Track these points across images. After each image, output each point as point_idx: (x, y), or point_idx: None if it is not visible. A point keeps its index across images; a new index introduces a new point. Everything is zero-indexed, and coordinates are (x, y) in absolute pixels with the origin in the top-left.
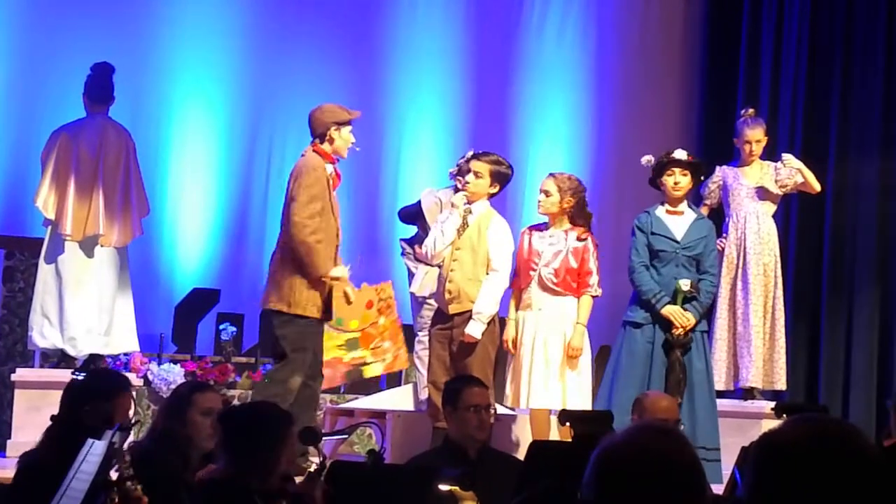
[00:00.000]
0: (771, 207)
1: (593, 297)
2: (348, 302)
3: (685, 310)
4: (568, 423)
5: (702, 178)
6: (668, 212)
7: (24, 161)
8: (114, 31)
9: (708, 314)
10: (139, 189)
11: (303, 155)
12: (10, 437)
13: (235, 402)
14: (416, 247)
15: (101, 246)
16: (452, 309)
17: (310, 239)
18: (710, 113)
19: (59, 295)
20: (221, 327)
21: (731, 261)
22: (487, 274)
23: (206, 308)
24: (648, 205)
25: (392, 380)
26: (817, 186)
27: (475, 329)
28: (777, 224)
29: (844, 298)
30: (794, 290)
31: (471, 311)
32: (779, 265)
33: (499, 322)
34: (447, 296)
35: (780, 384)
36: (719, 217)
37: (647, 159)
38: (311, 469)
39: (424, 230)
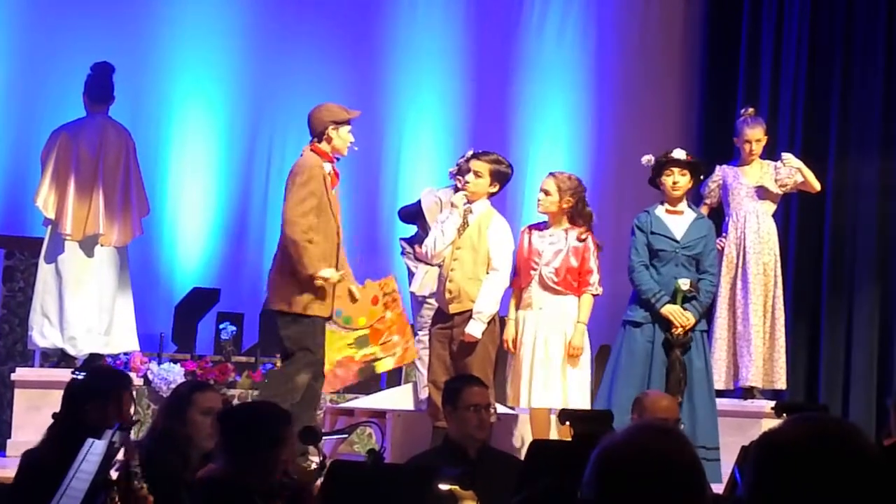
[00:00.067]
0: (771, 207)
1: (594, 295)
2: (354, 300)
3: (685, 309)
4: (568, 423)
5: (701, 177)
6: (667, 211)
7: (24, 160)
8: (114, 31)
9: (708, 313)
10: (139, 189)
11: (301, 154)
12: (10, 437)
13: (235, 401)
14: (416, 246)
15: (101, 245)
16: (453, 308)
17: (300, 237)
18: (710, 113)
19: (59, 294)
20: (221, 327)
21: (730, 260)
22: (488, 273)
23: (206, 307)
24: (648, 205)
25: (392, 379)
26: (817, 186)
27: (475, 328)
28: (777, 223)
29: (844, 298)
30: (794, 289)
31: (471, 310)
32: (779, 264)
33: (499, 321)
34: (447, 295)
35: (780, 383)
36: (719, 216)
37: (648, 159)
38: (312, 468)
39: (424, 229)
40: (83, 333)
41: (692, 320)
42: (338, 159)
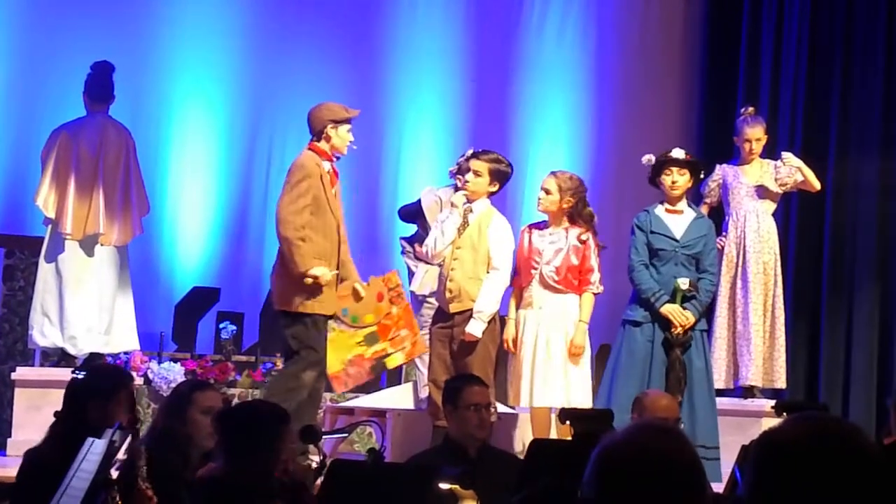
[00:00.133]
0: (771, 206)
1: (595, 294)
2: (358, 298)
3: (684, 308)
4: (568, 422)
5: (701, 176)
6: (667, 211)
7: (25, 160)
8: (114, 31)
9: (708, 313)
10: (139, 188)
11: (301, 153)
12: (10, 436)
13: (236, 400)
14: (417, 245)
15: (102, 245)
16: (453, 308)
17: (292, 235)
18: (710, 113)
19: (60, 294)
20: (221, 326)
21: (730, 259)
22: (488, 272)
23: (206, 307)
24: (648, 204)
25: (392, 378)
26: (817, 185)
27: (476, 328)
28: (777, 222)
29: (844, 297)
30: (794, 288)
31: (471, 309)
32: (779, 264)
33: (499, 321)
34: (448, 295)
35: (780, 382)
36: (719, 215)
37: (648, 158)
38: (312, 467)
39: (424, 229)
40: (83, 333)
41: (691, 319)
42: (338, 158)
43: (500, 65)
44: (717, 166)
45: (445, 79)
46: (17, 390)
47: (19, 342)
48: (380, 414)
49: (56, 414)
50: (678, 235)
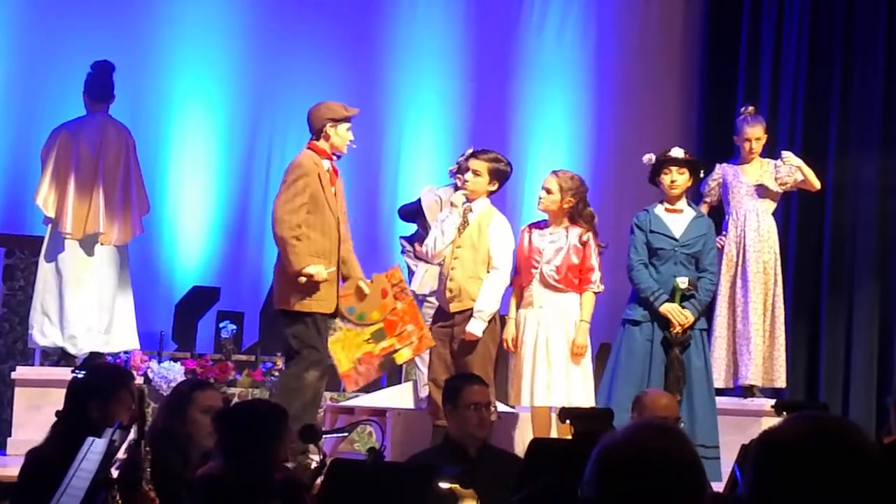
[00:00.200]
0: (771, 205)
1: (595, 293)
2: (362, 296)
3: (683, 308)
4: (568, 421)
5: (700, 175)
6: (667, 210)
7: (25, 159)
8: (114, 30)
9: (707, 312)
10: (139, 187)
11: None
12: (10, 436)
13: (236, 399)
14: (416, 245)
15: (102, 244)
16: (453, 307)
17: (287, 234)
18: (710, 112)
19: (60, 293)
20: (221, 325)
21: (730, 258)
22: (488, 272)
23: (206, 306)
24: (648, 204)
25: (392, 377)
26: (817, 184)
27: (476, 327)
28: (777, 222)
29: (844, 296)
30: (794, 287)
31: (472, 309)
32: (778, 263)
33: (499, 320)
34: (448, 294)
35: (780, 382)
36: (719, 215)
37: (649, 158)
38: (312, 467)
39: (424, 228)
40: (83, 332)
41: (690, 319)
42: (338, 157)
43: (500, 64)
44: (717, 165)
45: (445, 78)
46: (17, 390)
47: (19, 342)
48: (380, 413)
49: (57, 413)
50: (677, 235)
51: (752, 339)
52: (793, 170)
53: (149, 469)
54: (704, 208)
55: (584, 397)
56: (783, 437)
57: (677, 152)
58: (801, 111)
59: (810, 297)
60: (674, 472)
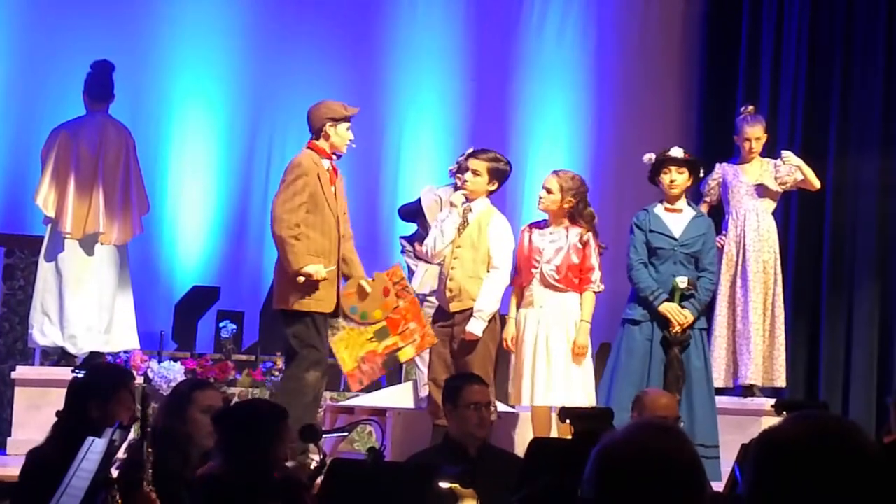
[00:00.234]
0: (771, 205)
1: (596, 292)
2: (364, 295)
3: (682, 307)
4: (568, 421)
5: (700, 175)
6: (666, 209)
7: (25, 159)
8: (114, 30)
9: (707, 311)
10: (139, 187)
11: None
12: (10, 435)
13: (236, 399)
14: (416, 244)
15: (101, 244)
16: (453, 307)
17: (285, 233)
18: (710, 112)
19: (60, 293)
20: (221, 325)
21: (730, 258)
22: (488, 271)
23: (206, 306)
24: (648, 204)
25: (392, 377)
26: (817, 183)
27: (476, 327)
28: (777, 221)
29: (844, 295)
30: (794, 287)
31: (472, 308)
32: (778, 262)
33: (499, 320)
34: (448, 294)
35: (780, 381)
36: (719, 214)
37: (649, 157)
38: (312, 466)
39: (424, 228)
40: (83, 332)
41: (690, 318)
42: (338, 157)
43: (500, 64)
44: (717, 165)
45: (445, 78)
46: (17, 389)
47: (19, 341)
48: (380, 413)
49: (58, 413)
50: (677, 234)
51: (751, 339)
52: (793, 169)
53: (151, 470)
54: (704, 208)
55: (585, 397)
56: (783, 436)
57: (677, 152)
58: (801, 111)
59: (810, 296)
60: (674, 471)
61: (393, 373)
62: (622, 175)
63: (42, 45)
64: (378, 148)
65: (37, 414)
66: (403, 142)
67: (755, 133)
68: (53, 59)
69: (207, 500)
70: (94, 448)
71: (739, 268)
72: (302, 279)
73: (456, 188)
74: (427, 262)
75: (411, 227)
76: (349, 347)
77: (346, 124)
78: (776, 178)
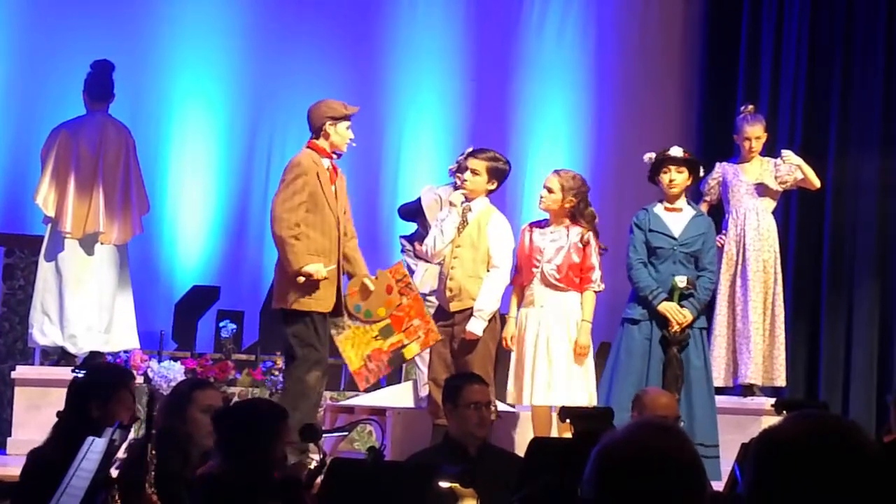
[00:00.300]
0: (770, 204)
1: (596, 292)
2: (368, 293)
3: (682, 306)
4: (568, 420)
5: (700, 174)
6: (666, 209)
7: (25, 158)
8: (114, 30)
9: (707, 311)
10: (139, 187)
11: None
12: (10, 435)
13: (236, 399)
14: (416, 244)
15: (101, 243)
16: (454, 306)
17: (285, 233)
18: (710, 112)
19: (60, 292)
20: (221, 324)
21: (730, 257)
22: (488, 271)
23: (206, 305)
24: (648, 203)
25: (392, 377)
26: (817, 183)
27: (476, 326)
28: (777, 220)
29: (844, 295)
30: (794, 286)
31: (472, 308)
32: (778, 262)
33: (500, 319)
34: (448, 293)
35: (780, 381)
36: (719, 214)
37: (649, 157)
38: (312, 466)
39: (424, 227)
40: (83, 331)
41: (689, 317)
42: (338, 156)
43: (500, 64)
44: (717, 164)
45: (445, 78)
46: (16, 389)
47: (19, 341)
48: (380, 412)
49: (58, 413)
50: (676, 233)
51: (751, 338)
52: (793, 168)
53: (153, 472)
54: (704, 207)
55: (586, 397)
56: (783, 435)
57: (676, 151)
58: (801, 111)
59: (810, 295)
60: (674, 471)
61: (393, 373)
62: (622, 175)
63: (42, 45)
64: (378, 148)
65: (37, 414)
66: (403, 141)
67: (755, 132)
68: (53, 59)
69: (207, 499)
70: (94, 448)
71: (739, 267)
72: (302, 279)
73: (456, 188)
74: (427, 261)
75: (411, 227)
76: (355, 346)
77: (346, 123)
78: (776, 178)
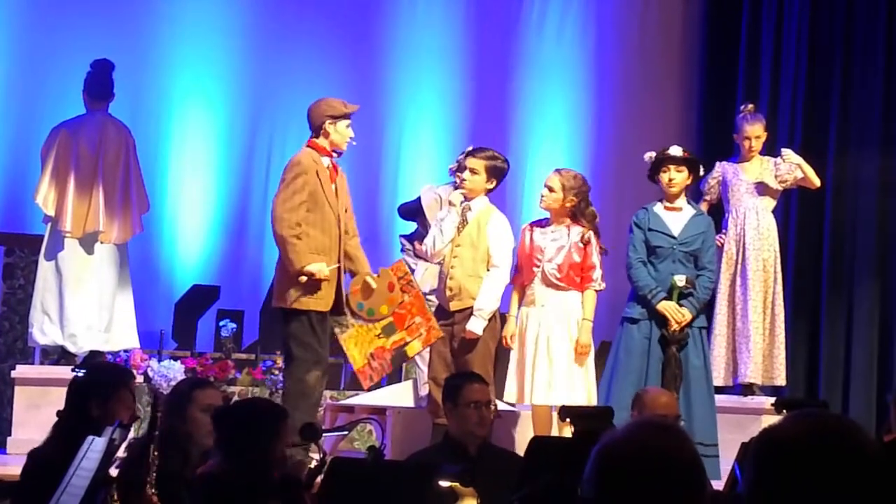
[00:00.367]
0: (770, 203)
1: (597, 291)
2: (370, 291)
3: (681, 305)
4: (568, 420)
5: (700, 174)
6: (665, 208)
7: (24, 158)
8: (114, 29)
9: (707, 310)
10: (139, 186)
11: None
12: (10, 434)
13: (236, 398)
14: (416, 243)
15: (101, 243)
16: (454, 306)
17: (286, 233)
18: (710, 112)
19: (60, 292)
20: (221, 324)
21: (730, 256)
22: (488, 270)
23: (206, 304)
24: (648, 202)
25: (392, 376)
26: (817, 182)
27: (476, 325)
28: (777, 219)
29: (844, 294)
30: (794, 285)
31: (472, 307)
32: (778, 261)
33: (499, 318)
34: (448, 293)
35: (780, 380)
36: (719, 213)
37: (650, 156)
38: (312, 465)
39: (424, 226)
40: (83, 331)
41: (688, 317)
42: (339, 154)
43: (500, 63)
44: (717, 163)
45: (445, 77)
46: (16, 388)
47: (19, 340)
48: (380, 412)
49: (58, 413)
50: (676, 233)
51: (751, 337)
52: (793, 167)
53: (155, 474)
54: (704, 206)
55: (586, 396)
56: (783, 435)
57: (675, 150)
58: (801, 111)
59: (810, 294)
60: (674, 470)
61: (393, 372)
62: (622, 174)
63: (42, 44)
64: (378, 147)
65: (37, 413)
66: (403, 141)
67: (755, 131)
68: (53, 58)
69: (207, 498)
70: (94, 447)
71: (739, 266)
72: (304, 278)
73: (456, 187)
74: (427, 260)
75: (411, 226)
76: (358, 345)
77: (346, 121)
78: (776, 176)
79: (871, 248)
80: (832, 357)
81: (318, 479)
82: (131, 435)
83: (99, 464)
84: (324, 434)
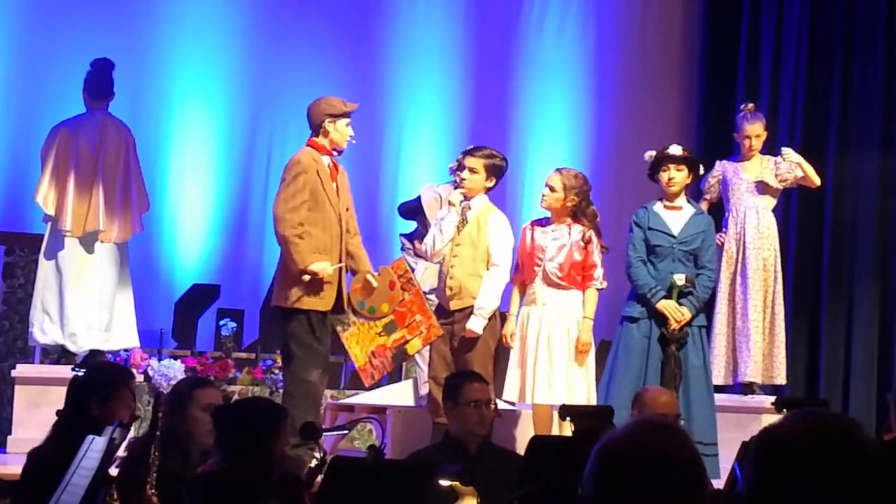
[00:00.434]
0: (771, 202)
1: (598, 290)
2: (371, 289)
3: (680, 304)
4: (568, 419)
5: (700, 173)
6: (665, 207)
7: (24, 157)
8: (114, 29)
9: (707, 309)
10: (139, 185)
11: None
12: (10, 434)
13: (236, 397)
14: (416, 242)
15: (101, 242)
16: (454, 305)
17: (288, 233)
18: (710, 112)
19: (60, 291)
20: (221, 323)
21: (730, 255)
22: (488, 269)
23: (206, 304)
24: (648, 202)
25: (392, 375)
26: (817, 181)
27: (476, 324)
28: (777, 219)
29: (844, 293)
30: (794, 284)
31: (472, 306)
32: (778, 260)
33: (499, 317)
34: (448, 292)
35: (780, 379)
36: (719, 212)
37: (650, 155)
38: (312, 464)
39: (424, 226)
40: (83, 330)
41: (687, 315)
42: (339, 153)
43: (500, 63)
44: (717, 162)
45: (445, 77)
46: (17, 388)
47: (19, 339)
48: (380, 411)
49: (58, 412)
50: (676, 232)
51: (751, 336)
52: (793, 166)
53: (155, 474)
54: (704, 205)
55: (587, 395)
56: (783, 434)
57: (675, 149)
58: (800, 111)
59: (810, 293)
60: (674, 469)
61: (393, 371)
62: (622, 174)
63: (42, 44)
64: (378, 146)
65: (37, 412)
66: (403, 140)
67: (755, 130)
68: (53, 58)
69: (207, 497)
70: (94, 446)
71: (739, 265)
72: (307, 277)
73: (456, 186)
74: (427, 259)
75: (411, 225)
76: (360, 343)
77: (346, 120)
78: (776, 175)
79: (871, 248)
80: (832, 356)
81: (319, 478)
82: (131, 434)
83: (99, 463)
84: (324, 433)
